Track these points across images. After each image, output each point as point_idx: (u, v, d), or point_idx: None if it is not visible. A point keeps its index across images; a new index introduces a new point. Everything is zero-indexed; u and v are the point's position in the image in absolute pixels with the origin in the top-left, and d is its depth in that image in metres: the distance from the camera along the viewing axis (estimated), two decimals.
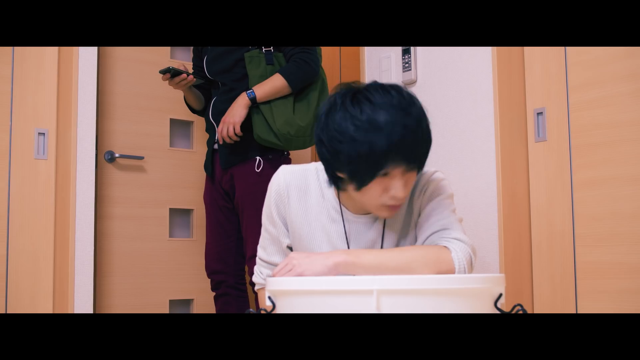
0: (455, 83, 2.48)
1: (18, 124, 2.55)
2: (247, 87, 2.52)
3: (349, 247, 1.59)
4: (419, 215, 1.58)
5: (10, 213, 2.52)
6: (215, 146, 2.65)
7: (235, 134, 2.49)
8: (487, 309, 1.21)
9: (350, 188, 1.45)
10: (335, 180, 1.47)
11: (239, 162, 2.56)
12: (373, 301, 1.14)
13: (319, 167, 1.62)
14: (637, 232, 2.04)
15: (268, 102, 2.49)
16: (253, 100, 2.48)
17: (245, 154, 2.54)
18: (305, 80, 2.55)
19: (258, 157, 2.53)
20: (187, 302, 3.00)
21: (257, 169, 2.52)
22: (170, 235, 2.98)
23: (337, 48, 3.59)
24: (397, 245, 1.59)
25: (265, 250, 1.68)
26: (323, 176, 1.58)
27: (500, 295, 1.23)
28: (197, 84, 2.66)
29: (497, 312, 1.22)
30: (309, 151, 3.31)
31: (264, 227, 1.68)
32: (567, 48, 2.24)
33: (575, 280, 2.19)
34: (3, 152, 2.52)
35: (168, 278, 2.91)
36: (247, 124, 2.50)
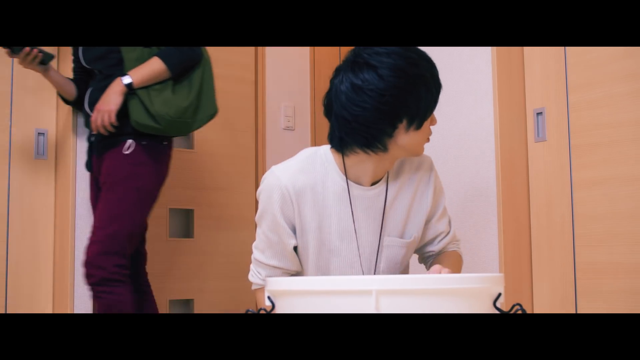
0: (455, 83, 2.48)
1: (18, 124, 2.55)
2: (123, 73, 2.32)
3: (354, 224, 1.61)
4: (429, 207, 1.70)
5: (10, 213, 2.52)
6: (93, 138, 2.44)
7: (111, 124, 2.29)
8: (486, 308, 1.21)
9: (401, 136, 1.53)
10: (380, 139, 1.52)
11: (111, 147, 2.35)
12: (372, 301, 1.14)
13: (318, 152, 1.62)
14: (637, 232, 2.04)
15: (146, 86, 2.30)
16: (129, 86, 2.28)
17: (118, 139, 2.33)
18: (185, 62, 2.36)
19: (130, 140, 2.32)
20: (187, 302, 3.00)
21: (126, 150, 2.31)
22: (170, 235, 2.98)
23: (337, 48, 3.59)
24: (400, 216, 1.65)
25: (263, 253, 1.65)
26: (326, 159, 1.61)
27: (500, 295, 1.23)
28: (47, 60, 2.41)
29: (496, 312, 1.22)
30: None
31: (263, 232, 1.63)
32: (567, 48, 2.25)
33: (575, 280, 2.19)
34: (3, 152, 2.52)
35: (168, 278, 2.91)
36: (122, 112, 2.30)
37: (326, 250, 1.61)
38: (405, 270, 1.75)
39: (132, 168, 2.32)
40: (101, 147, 2.37)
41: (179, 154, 3.00)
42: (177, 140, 3.04)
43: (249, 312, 1.25)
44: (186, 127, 2.35)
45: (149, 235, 2.89)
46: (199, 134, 3.05)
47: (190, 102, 2.34)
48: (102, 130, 2.30)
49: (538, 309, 2.27)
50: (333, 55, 3.57)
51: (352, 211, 1.61)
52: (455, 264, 1.75)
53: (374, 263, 1.65)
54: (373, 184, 1.63)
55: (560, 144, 2.24)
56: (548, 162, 2.27)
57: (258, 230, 1.66)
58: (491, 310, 1.22)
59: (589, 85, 2.18)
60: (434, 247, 1.76)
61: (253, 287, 1.71)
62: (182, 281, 2.95)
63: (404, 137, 1.53)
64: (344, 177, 1.60)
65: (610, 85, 2.12)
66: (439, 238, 1.75)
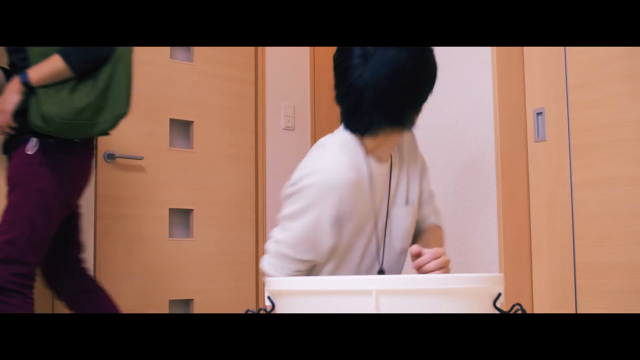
0: (455, 83, 2.48)
1: None
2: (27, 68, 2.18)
3: (375, 202, 1.66)
4: (420, 170, 1.81)
5: None
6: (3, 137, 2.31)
7: (9, 125, 2.17)
8: (486, 308, 1.21)
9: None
10: (412, 116, 1.60)
11: (16, 147, 2.21)
12: (372, 301, 1.14)
13: (344, 140, 1.63)
14: (637, 232, 2.04)
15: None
16: (26, 84, 2.13)
17: (22, 138, 2.19)
18: (90, 61, 2.16)
19: (34, 138, 2.17)
20: (187, 302, 3.00)
21: (29, 150, 2.16)
22: (170, 235, 2.98)
23: (337, 48, 3.58)
24: (402, 184, 1.75)
25: (294, 248, 1.61)
26: (354, 144, 1.63)
27: (500, 294, 1.23)
28: None
29: (496, 312, 1.22)
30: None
31: (299, 227, 1.59)
32: (567, 48, 2.25)
33: (575, 280, 2.19)
34: None
35: (168, 278, 2.91)
36: (24, 110, 2.16)
37: (355, 231, 1.64)
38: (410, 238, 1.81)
39: (34, 168, 2.16)
40: (8, 146, 2.26)
41: (178, 154, 3.00)
42: (177, 140, 3.04)
43: (249, 312, 1.25)
44: (84, 129, 2.14)
45: (149, 235, 2.89)
46: (199, 134, 3.05)
47: (89, 103, 2.14)
48: (0, 131, 2.23)
49: (538, 309, 2.27)
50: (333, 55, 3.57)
51: (373, 190, 1.65)
52: (439, 241, 1.84)
53: (383, 235, 1.71)
54: None
55: (560, 144, 2.24)
56: (548, 162, 2.27)
57: (289, 225, 1.61)
58: (491, 310, 1.22)
59: (588, 85, 2.18)
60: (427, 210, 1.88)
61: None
62: (182, 281, 2.95)
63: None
64: (369, 159, 1.64)
65: (610, 85, 2.12)
66: (430, 209, 1.88)
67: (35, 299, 2.17)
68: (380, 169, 1.66)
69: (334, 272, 1.66)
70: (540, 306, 2.27)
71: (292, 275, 1.63)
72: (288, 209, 1.61)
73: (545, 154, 2.29)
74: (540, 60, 2.32)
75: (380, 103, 1.54)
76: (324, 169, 1.57)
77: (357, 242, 1.66)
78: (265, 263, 1.67)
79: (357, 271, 1.69)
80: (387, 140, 1.63)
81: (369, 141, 1.62)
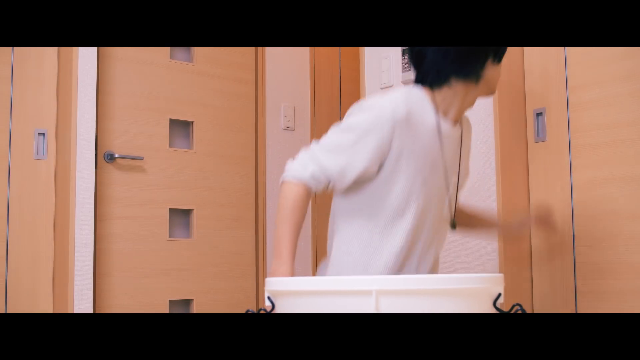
0: None
1: (18, 124, 2.55)
2: None
3: (443, 159, 1.72)
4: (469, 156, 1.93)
5: (10, 213, 2.52)
6: None
7: None
8: (486, 308, 1.21)
9: (488, 68, 1.70)
10: (477, 67, 1.68)
11: None
12: (372, 301, 1.14)
13: (410, 89, 1.70)
14: (637, 231, 2.04)
15: None
16: None
17: None
18: None
19: None
20: (187, 302, 3.00)
21: None
22: (170, 236, 2.98)
23: (337, 48, 3.59)
24: (464, 159, 1.85)
25: (333, 156, 1.61)
26: (420, 94, 1.70)
27: (500, 295, 1.23)
28: None
29: (496, 312, 1.22)
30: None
31: (348, 139, 1.61)
32: (567, 48, 2.25)
33: (575, 280, 2.19)
34: (3, 153, 2.52)
35: (168, 278, 2.91)
36: None
37: (420, 179, 1.67)
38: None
39: None
40: None
41: (178, 154, 3.00)
42: (177, 140, 3.04)
43: (249, 312, 1.25)
44: None
45: (149, 235, 2.89)
46: (199, 134, 3.05)
47: None
48: None
49: (538, 309, 2.27)
50: (333, 55, 3.57)
51: (441, 147, 1.70)
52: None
53: (454, 202, 1.78)
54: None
55: (560, 144, 2.24)
56: (548, 162, 2.27)
57: (339, 135, 1.63)
58: (491, 310, 1.22)
59: (588, 86, 2.18)
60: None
61: (290, 179, 1.63)
62: (182, 281, 2.95)
63: (489, 69, 1.70)
64: (436, 113, 1.70)
65: (611, 85, 2.12)
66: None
67: None
68: (450, 130, 1.72)
69: (413, 230, 1.69)
70: (541, 306, 2.27)
71: (304, 182, 1.62)
72: (341, 124, 1.67)
73: (545, 154, 2.28)
74: (540, 60, 2.31)
75: (448, 53, 1.65)
76: (386, 97, 1.65)
77: (423, 192, 1.68)
78: (295, 158, 1.67)
79: (429, 230, 1.73)
80: (454, 97, 1.70)
81: (438, 95, 1.69)
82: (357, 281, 1.16)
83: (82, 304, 2.58)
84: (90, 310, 2.59)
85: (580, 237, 2.18)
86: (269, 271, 1.55)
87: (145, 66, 2.93)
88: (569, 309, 2.19)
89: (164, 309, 2.89)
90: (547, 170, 2.28)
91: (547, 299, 2.26)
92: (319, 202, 3.40)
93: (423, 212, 1.69)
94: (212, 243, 3.04)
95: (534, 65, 2.33)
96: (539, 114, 2.31)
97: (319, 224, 3.39)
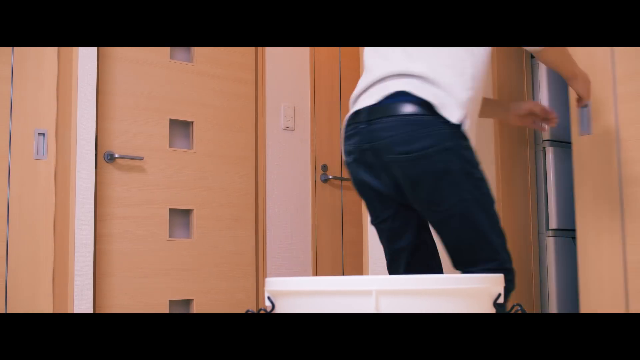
0: None
1: (18, 124, 2.55)
2: None
3: None
4: None
5: (10, 213, 2.52)
6: None
7: None
8: (486, 308, 1.21)
9: None
10: None
11: None
12: (372, 301, 1.14)
13: None
14: (637, 231, 2.04)
15: None
16: None
17: None
18: None
19: None
20: (187, 302, 3.00)
21: None
22: (170, 236, 2.98)
23: (337, 48, 3.59)
24: None
25: None
26: None
27: (500, 295, 1.23)
28: None
29: (496, 312, 1.22)
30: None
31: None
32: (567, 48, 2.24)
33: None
34: (3, 152, 2.52)
35: (168, 278, 2.91)
36: None
37: None
38: None
39: None
40: None
41: (178, 154, 3.00)
42: (177, 140, 3.04)
43: (249, 312, 1.25)
44: None
45: (149, 235, 2.89)
46: (198, 134, 3.05)
47: None
48: None
49: (538, 309, 2.27)
50: (333, 55, 3.57)
51: None
52: None
53: None
54: None
55: (607, 137, 2.23)
56: (595, 156, 2.22)
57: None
58: (491, 310, 1.22)
59: (636, 77, 2.17)
60: None
61: None
62: (182, 281, 2.95)
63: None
64: None
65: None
66: None
67: None
68: None
69: None
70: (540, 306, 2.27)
71: None
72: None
73: (591, 147, 2.16)
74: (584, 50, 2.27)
75: None
76: None
77: None
78: None
79: None
80: None
81: None
82: (357, 281, 1.16)
83: (82, 304, 2.58)
84: (90, 311, 2.59)
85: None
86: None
87: (145, 66, 2.93)
88: (570, 309, 2.19)
89: (164, 309, 2.89)
90: (594, 164, 2.18)
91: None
92: (319, 202, 3.40)
93: None
94: (212, 243, 3.04)
95: (534, 64, 2.33)
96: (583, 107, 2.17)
97: (319, 223, 3.39)
